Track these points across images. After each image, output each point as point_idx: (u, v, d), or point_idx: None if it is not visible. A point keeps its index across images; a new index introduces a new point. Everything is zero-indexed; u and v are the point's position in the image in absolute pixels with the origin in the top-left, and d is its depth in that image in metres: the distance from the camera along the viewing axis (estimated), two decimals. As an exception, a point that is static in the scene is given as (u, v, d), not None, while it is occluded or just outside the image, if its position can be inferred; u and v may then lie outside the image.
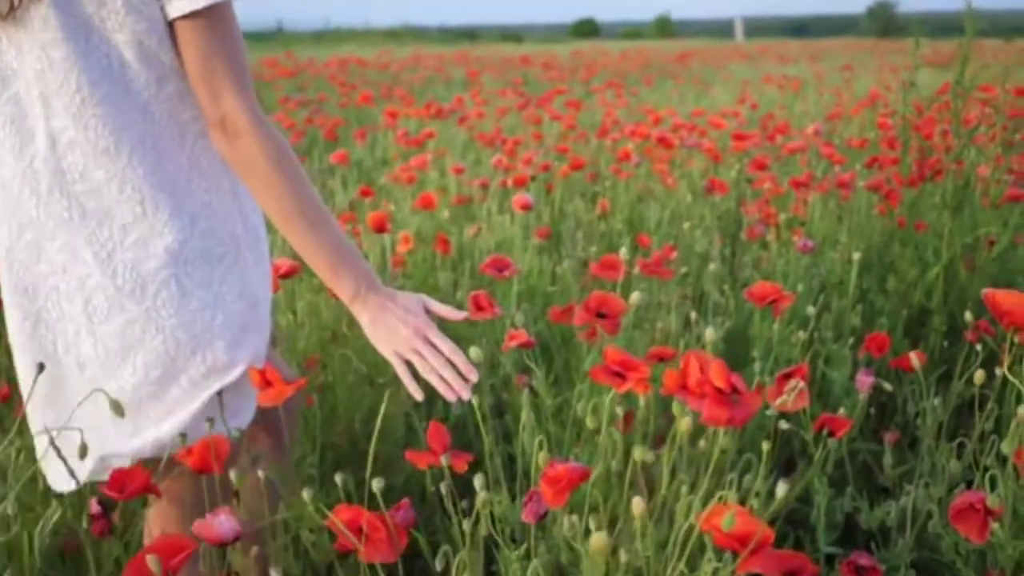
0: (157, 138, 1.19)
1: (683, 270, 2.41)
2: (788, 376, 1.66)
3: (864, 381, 1.60)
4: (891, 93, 6.80)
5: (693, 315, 1.85)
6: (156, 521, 1.34)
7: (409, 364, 1.21)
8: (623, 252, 1.73)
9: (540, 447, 1.58)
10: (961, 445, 1.71)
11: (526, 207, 2.25)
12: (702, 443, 1.47)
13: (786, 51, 18.45)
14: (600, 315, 1.46)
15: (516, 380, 1.60)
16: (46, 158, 1.16)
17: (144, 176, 1.18)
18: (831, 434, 1.41)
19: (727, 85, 9.70)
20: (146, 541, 1.38)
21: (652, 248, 2.79)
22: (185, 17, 1.14)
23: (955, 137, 2.64)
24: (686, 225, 2.67)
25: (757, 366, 1.98)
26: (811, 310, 1.83)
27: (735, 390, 0.96)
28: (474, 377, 1.21)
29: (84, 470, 1.25)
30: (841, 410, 1.73)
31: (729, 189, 3.14)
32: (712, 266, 2.07)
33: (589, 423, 1.38)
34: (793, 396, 1.49)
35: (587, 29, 55.09)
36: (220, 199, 1.25)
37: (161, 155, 1.20)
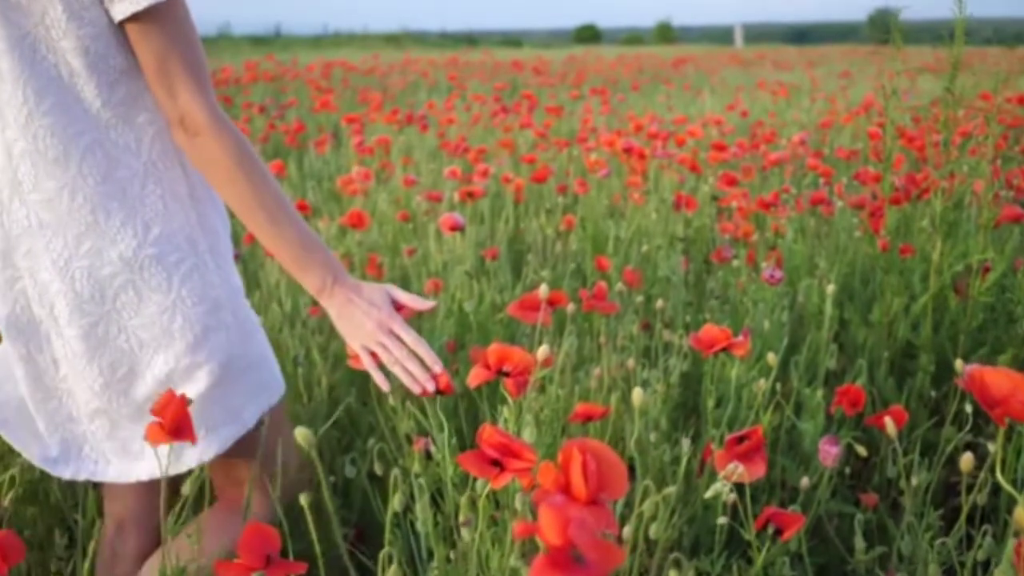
0: (111, 145, 1.19)
1: (639, 299, 2.13)
2: (740, 440, 1.40)
3: (829, 452, 1.32)
4: (887, 101, 6.53)
5: (631, 363, 1.56)
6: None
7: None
8: (542, 290, 1.45)
9: (435, 525, 1.30)
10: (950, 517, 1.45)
11: (455, 228, 1.97)
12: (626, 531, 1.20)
13: (784, 57, 18.18)
14: (502, 372, 1.18)
15: (415, 442, 1.32)
16: (3, 168, 1.18)
17: (94, 185, 1.18)
18: (778, 533, 1.13)
19: (719, 91, 9.43)
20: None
21: (611, 272, 2.51)
22: (134, 19, 1.14)
23: (945, 149, 2.35)
24: (644, 247, 2.39)
25: (712, 414, 1.71)
26: (772, 358, 1.54)
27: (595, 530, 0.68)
28: (438, 368, 1.22)
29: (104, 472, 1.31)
30: (806, 478, 1.46)
31: (701, 204, 2.86)
32: (659, 303, 1.79)
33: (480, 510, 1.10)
34: (737, 475, 1.22)
35: (589, 35, 54.90)
36: (176, 204, 1.25)
37: (114, 162, 1.20)
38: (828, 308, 1.93)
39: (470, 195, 2.46)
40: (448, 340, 2.22)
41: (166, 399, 1.07)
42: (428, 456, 1.35)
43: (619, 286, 1.92)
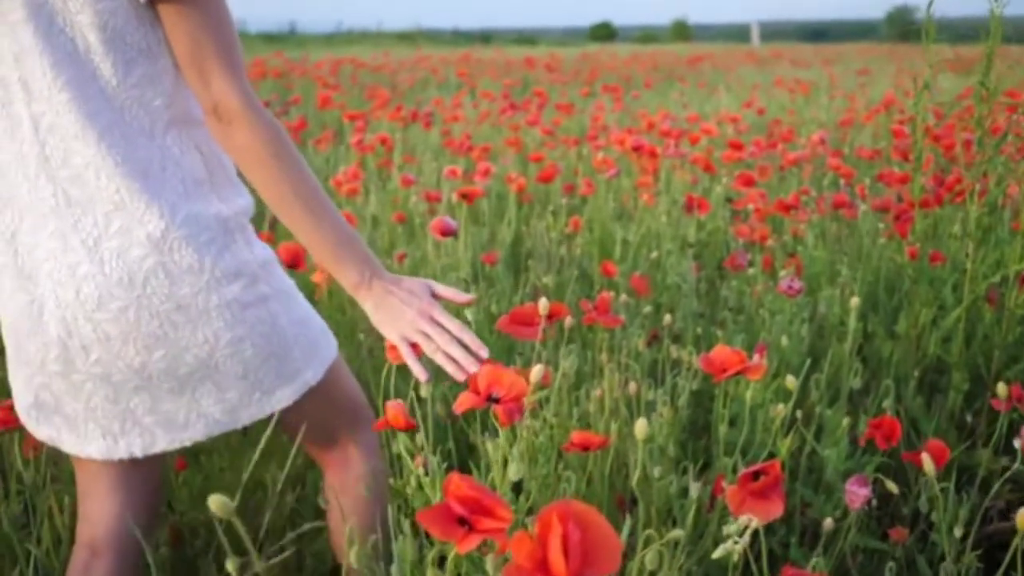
0: (126, 127, 1.16)
1: (647, 309, 1.97)
2: (755, 476, 1.24)
3: (857, 495, 1.16)
4: (908, 99, 6.33)
5: (632, 387, 1.41)
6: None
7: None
8: (541, 304, 1.29)
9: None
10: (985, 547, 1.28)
11: (446, 233, 1.81)
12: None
13: (801, 55, 17.92)
14: (492, 399, 1.03)
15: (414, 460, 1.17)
16: (31, 142, 1.15)
17: (115, 166, 1.15)
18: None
19: (735, 89, 9.23)
20: None
21: (618, 279, 2.35)
22: (168, 1, 1.11)
23: (979, 149, 2.18)
24: (654, 254, 2.22)
25: (725, 439, 1.55)
26: (792, 382, 1.38)
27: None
28: (484, 353, 1.18)
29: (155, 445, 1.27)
30: (829, 519, 1.30)
31: (714, 206, 2.70)
32: (667, 317, 1.63)
33: None
34: (750, 529, 1.06)
35: (604, 33, 54.69)
36: (197, 188, 1.21)
37: (131, 144, 1.16)
38: (852, 322, 1.77)
39: (464, 196, 2.30)
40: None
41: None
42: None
43: (624, 297, 1.76)
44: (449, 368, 1.19)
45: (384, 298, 1.22)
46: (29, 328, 1.21)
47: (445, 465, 1.21)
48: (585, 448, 1.31)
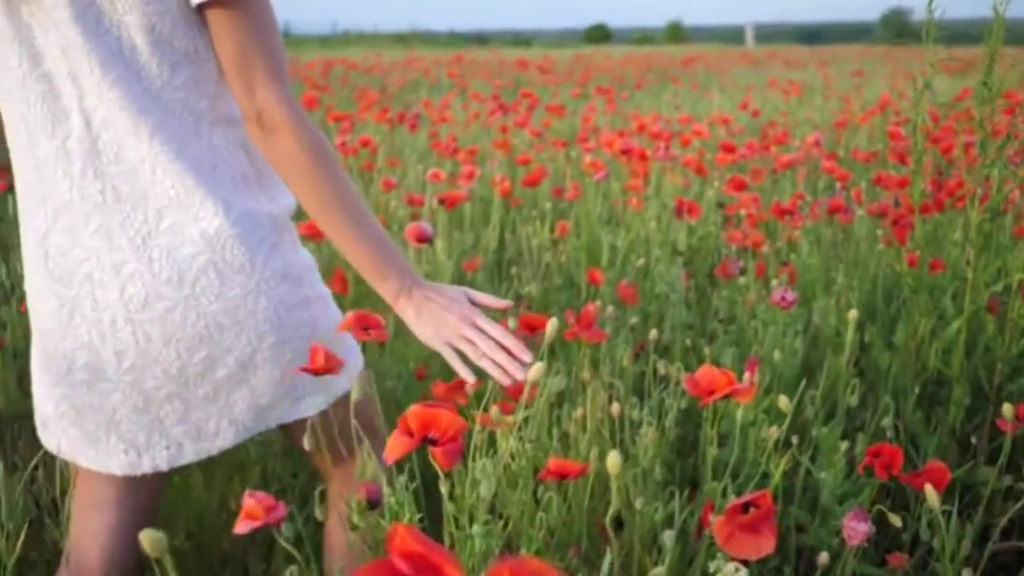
0: (175, 126, 1.15)
1: (633, 320, 1.87)
2: (745, 507, 1.16)
3: (856, 531, 1.07)
4: (904, 100, 6.24)
5: (615, 408, 1.31)
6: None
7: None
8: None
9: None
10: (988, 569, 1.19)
11: (422, 239, 1.72)
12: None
13: (796, 56, 17.85)
14: (429, 440, 0.93)
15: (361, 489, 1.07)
16: (80, 138, 1.13)
17: (170, 161, 1.14)
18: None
19: (729, 90, 9.15)
20: None
21: (604, 288, 2.26)
22: (217, 4, 1.10)
23: (980, 152, 2.08)
24: (640, 261, 2.13)
25: (714, 457, 1.45)
26: (785, 403, 1.29)
27: None
28: (527, 358, 1.16)
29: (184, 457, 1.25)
30: (825, 554, 1.20)
31: (705, 211, 2.60)
32: (653, 332, 1.53)
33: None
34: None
35: (599, 35, 54.57)
36: (246, 186, 1.21)
37: (179, 143, 1.15)
38: (849, 335, 1.67)
39: (443, 202, 2.20)
40: (417, 366, 1.97)
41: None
42: (373, 505, 1.12)
43: (609, 309, 1.66)
44: (495, 373, 1.17)
45: (425, 305, 1.20)
46: (58, 331, 1.19)
47: (413, 485, 1.13)
48: (562, 476, 1.21)
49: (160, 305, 1.16)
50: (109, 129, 1.14)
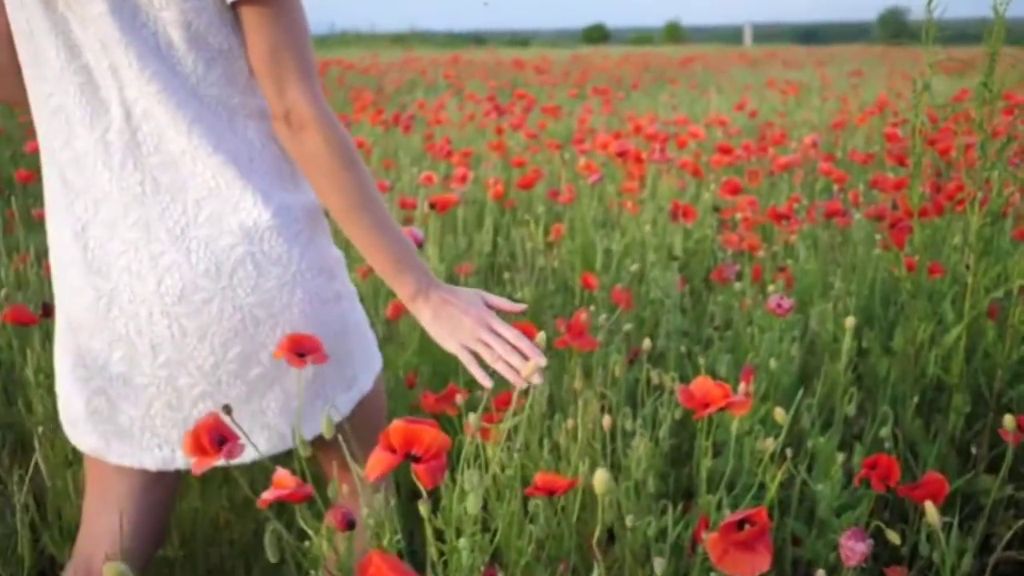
0: (211, 119, 1.16)
1: (628, 326, 1.84)
2: (740, 524, 1.12)
3: (854, 551, 1.03)
4: (902, 101, 6.21)
5: (607, 421, 1.28)
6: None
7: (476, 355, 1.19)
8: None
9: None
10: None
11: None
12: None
13: (793, 56, 17.83)
14: (411, 457, 0.90)
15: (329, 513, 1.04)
16: (120, 129, 1.14)
17: (209, 155, 1.15)
18: None
19: (727, 90, 9.12)
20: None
21: (599, 293, 2.22)
22: (252, 4, 1.11)
23: (980, 154, 2.05)
24: (635, 265, 2.09)
25: (708, 469, 1.42)
26: (781, 414, 1.25)
27: None
28: (542, 361, 1.17)
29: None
30: (822, 571, 1.17)
31: (701, 214, 2.57)
32: (646, 342, 1.50)
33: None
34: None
35: (597, 35, 54.48)
36: (281, 180, 1.22)
37: (218, 135, 1.16)
38: (847, 342, 1.64)
39: (434, 205, 2.17)
40: (407, 373, 1.94)
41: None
42: (349, 526, 1.09)
43: (602, 317, 1.63)
44: (510, 376, 1.17)
45: (442, 307, 1.21)
46: (95, 325, 1.19)
47: (394, 501, 1.10)
48: (550, 492, 1.18)
49: (196, 297, 1.16)
50: (149, 121, 1.14)
